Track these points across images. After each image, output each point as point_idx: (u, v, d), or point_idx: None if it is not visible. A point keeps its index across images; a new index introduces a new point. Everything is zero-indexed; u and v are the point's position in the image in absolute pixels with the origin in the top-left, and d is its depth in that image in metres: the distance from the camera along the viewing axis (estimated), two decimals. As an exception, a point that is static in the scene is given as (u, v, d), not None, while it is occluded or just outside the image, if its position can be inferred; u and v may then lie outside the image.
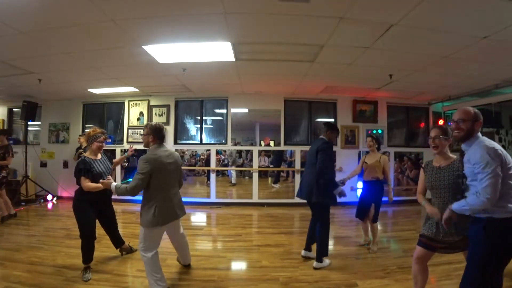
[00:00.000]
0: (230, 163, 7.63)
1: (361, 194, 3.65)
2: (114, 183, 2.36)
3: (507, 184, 1.61)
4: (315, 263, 3.01)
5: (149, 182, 2.29)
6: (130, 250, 3.36)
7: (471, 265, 1.71)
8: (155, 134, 2.43)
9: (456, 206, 1.76)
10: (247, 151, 7.43)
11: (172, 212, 2.45)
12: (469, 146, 1.78)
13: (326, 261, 3.08)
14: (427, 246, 2.05)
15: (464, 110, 1.81)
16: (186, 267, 3.00)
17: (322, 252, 3.02)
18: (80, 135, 6.08)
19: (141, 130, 6.34)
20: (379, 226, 3.71)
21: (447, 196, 1.99)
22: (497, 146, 1.66)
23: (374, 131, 6.37)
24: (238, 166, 8.05)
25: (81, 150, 5.89)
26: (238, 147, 6.78)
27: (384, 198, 3.56)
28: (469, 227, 1.80)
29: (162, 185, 2.38)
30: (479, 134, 1.78)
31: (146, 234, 2.36)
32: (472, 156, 1.70)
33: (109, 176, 2.52)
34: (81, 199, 2.80)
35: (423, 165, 2.23)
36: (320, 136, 3.29)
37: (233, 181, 7.90)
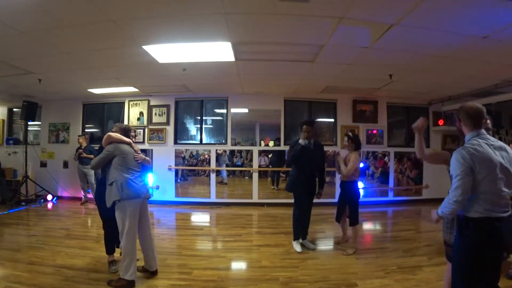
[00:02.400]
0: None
1: (339, 195, 3.64)
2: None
3: (484, 185, 1.55)
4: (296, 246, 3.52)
5: (111, 162, 2.65)
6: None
7: (452, 269, 1.69)
8: (123, 133, 2.83)
9: (439, 210, 1.72)
10: (247, 151, 7.42)
11: (135, 191, 2.63)
12: None
13: (298, 246, 3.48)
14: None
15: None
16: (152, 274, 2.78)
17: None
18: (79, 136, 6.09)
19: (141, 130, 6.37)
20: (362, 227, 3.78)
21: None
22: (470, 148, 1.59)
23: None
24: (237, 166, 8.02)
25: (80, 150, 5.90)
26: (238, 147, 6.77)
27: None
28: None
29: (123, 166, 2.66)
30: (468, 137, 1.71)
31: (118, 213, 2.56)
32: None
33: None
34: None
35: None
36: None
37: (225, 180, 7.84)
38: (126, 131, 2.87)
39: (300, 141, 3.41)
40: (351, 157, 3.43)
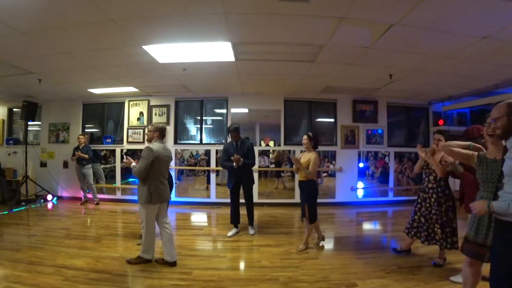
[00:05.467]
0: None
1: (300, 194, 3.69)
2: (133, 163, 2.95)
3: None
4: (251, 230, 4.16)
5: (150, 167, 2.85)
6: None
7: (494, 270, 1.58)
8: (160, 132, 3.09)
9: (499, 208, 1.55)
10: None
11: (162, 195, 2.96)
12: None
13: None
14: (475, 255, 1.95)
15: (496, 107, 1.66)
16: (171, 265, 2.96)
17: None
18: (79, 135, 6.08)
19: (141, 130, 6.36)
20: (319, 225, 3.78)
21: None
22: None
23: (375, 131, 6.39)
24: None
25: (78, 152, 5.89)
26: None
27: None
28: (498, 231, 1.64)
29: (158, 171, 2.93)
30: None
31: (146, 211, 2.90)
32: None
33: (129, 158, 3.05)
34: None
35: (479, 154, 1.98)
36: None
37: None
38: (163, 131, 3.15)
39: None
40: (312, 159, 3.41)
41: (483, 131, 2.01)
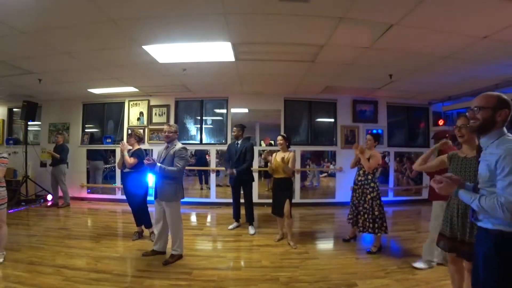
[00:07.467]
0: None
1: (274, 191, 3.81)
2: (158, 164, 2.96)
3: None
4: (252, 230, 4.19)
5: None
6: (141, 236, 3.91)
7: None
8: (178, 132, 3.27)
9: (464, 197, 1.42)
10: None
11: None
12: (489, 141, 1.40)
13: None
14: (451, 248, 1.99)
15: (484, 95, 1.44)
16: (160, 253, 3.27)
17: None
18: (57, 134, 5.99)
19: (141, 130, 6.32)
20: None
21: None
22: None
23: (374, 131, 6.39)
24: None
25: (49, 150, 5.83)
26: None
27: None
28: (476, 236, 1.51)
29: None
30: (504, 129, 1.39)
31: (179, 207, 3.12)
32: (492, 157, 1.34)
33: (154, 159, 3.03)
34: None
35: (448, 154, 2.09)
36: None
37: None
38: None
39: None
40: (290, 156, 3.58)
41: (448, 133, 2.24)
